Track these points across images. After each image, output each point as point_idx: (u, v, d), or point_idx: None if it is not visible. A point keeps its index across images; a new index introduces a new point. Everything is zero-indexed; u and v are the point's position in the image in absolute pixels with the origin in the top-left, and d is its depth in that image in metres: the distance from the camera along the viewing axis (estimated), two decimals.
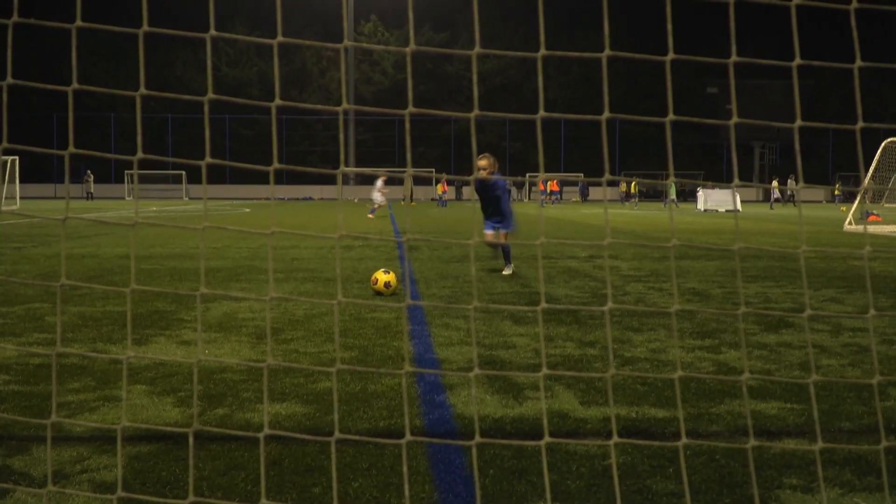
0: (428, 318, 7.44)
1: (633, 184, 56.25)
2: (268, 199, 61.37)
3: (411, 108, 2.36)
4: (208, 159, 2.47)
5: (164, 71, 76.73)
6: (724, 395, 4.83)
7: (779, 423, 4.39)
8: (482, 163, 10.96)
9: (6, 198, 43.37)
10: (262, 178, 73.05)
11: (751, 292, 9.46)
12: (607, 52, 2.40)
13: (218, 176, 73.14)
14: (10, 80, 2.48)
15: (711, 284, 10.11)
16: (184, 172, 69.85)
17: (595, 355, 6.02)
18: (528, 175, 68.02)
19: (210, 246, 15.25)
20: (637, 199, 56.09)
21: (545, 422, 3.90)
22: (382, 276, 9.15)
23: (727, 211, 42.33)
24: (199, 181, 71.87)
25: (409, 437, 2.09)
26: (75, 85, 2.44)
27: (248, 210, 39.16)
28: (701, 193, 45.80)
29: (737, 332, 6.80)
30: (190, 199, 67.61)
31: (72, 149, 2.50)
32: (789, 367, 5.69)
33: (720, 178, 76.34)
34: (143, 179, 71.16)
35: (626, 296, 9.19)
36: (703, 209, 43.93)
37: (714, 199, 44.67)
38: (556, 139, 79.20)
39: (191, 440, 2.29)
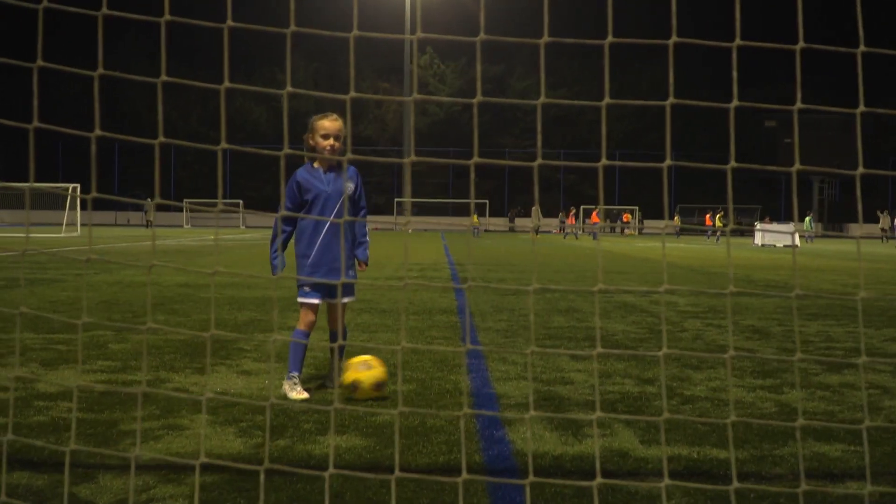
0: (485, 352, 7.45)
1: (719, 216, 55.76)
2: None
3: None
4: (220, 203, 2.53)
5: (220, 103, 78.15)
6: (787, 437, 4.78)
7: (842, 465, 4.33)
8: (332, 125, 5.80)
9: (67, 224, 44.25)
10: None
11: (811, 331, 9.33)
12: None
13: (275, 205, 73.87)
14: (97, 131, 2.56)
15: (771, 322, 10.00)
16: (241, 201, 70.74)
17: (654, 393, 5.98)
18: (582, 207, 67.97)
19: (267, 276, 15.39)
20: (717, 234, 54.37)
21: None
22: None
23: (785, 247, 41.80)
24: (255, 210, 72.58)
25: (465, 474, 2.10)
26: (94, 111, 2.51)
27: None
28: (759, 228, 45.31)
29: (799, 372, 6.72)
30: (246, 227, 68.41)
31: (99, 132, 2.57)
32: (852, 409, 5.60)
33: (778, 212, 75.52)
34: (202, 206, 72.11)
35: (684, 332, 9.11)
36: (760, 244, 43.45)
37: (771, 235, 44.13)
38: (612, 171, 78.97)
39: (261, 478, 2.33)
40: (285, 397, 5.71)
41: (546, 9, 2.40)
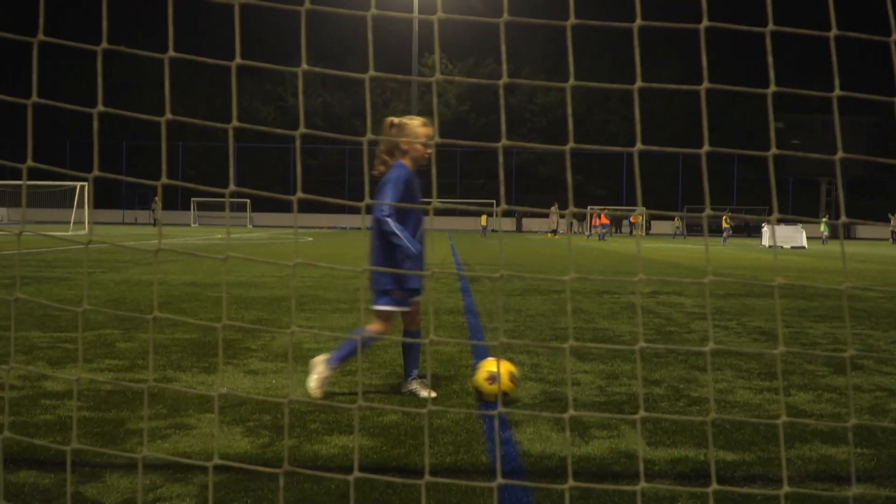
0: (491, 352, 7.44)
1: (725, 217, 55.53)
2: (296, 226, 61.83)
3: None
4: (232, 187, 2.53)
5: (230, 101, 78.21)
6: (794, 439, 4.77)
7: (849, 467, 4.32)
8: (427, 130, 5.78)
9: (75, 222, 44.35)
10: (327, 208, 73.75)
11: (819, 332, 9.31)
12: (634, 83, 2.40)
13: (283, 204, 74.11)
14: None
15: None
16: (248, 200, 70.81)
17: (661, 394, 5.97)
18: (588, 207, 67.92)
19: (274, 275, 15.43)
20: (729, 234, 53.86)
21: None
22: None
23: (792, 248, 41.71)
24: (263, 209, 72.78)
25: (500, 479, 2.10)
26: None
27: (310, 239, 39.51)
28: (766, 229, 45.18)
29: (806, 374, 6.70)
30: (254, 226, 68.49)
31: (96, 172, 2.57)
32: (859, 411, 5.59)
33: (786, 213, 75.36)
34: (209, 207, 72.35)
35: (691, 334, 9.10)
36: (767, 245, 43.36)
37: (779, 236, 44.02)
38: (618, 172, 79.04)
39: (281, 482, 2.33)
40: (306, 385, 5.67)
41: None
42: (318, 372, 5.65)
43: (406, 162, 5.70)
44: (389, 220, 5.48)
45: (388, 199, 5.52)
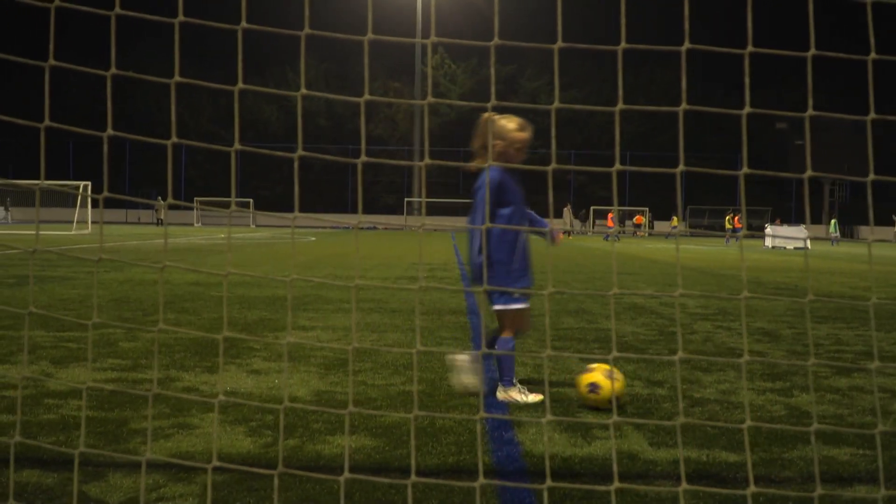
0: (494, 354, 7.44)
1: (735, 218, 55.49)
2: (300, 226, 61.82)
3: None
4: (233, 204, 2.54)
5: (232, 102, 78.61)
6: (796, 440, 4.77)
7: (851, 468, 4.32)
8: (523, 135, 5.76)
9: (78, 221, 44.42)
10: (329, 208, 73.83)
11: (822, 333, 9.32)
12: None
13: (285, 204, 74.18)
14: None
15: (781, 324, 9.98)
16: (251, 200, 70.83)
17: (663, 395, 5.98)
18: (592, 208, 67.90)
19: (278, 277, 15.44)
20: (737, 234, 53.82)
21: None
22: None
23: (795, 248, 41.68)
24: (266, 209, 72.76)
25: (482, 479, 2.11)
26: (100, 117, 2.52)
27: (313, 238, 39.52)
28: (769, 230, 45.17)
29: (808, 375, 6.71)
30: (257, 226, 68.55)
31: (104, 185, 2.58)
32: (861, 413, 5.59)
33: (789, 214, 75.35)
34: (212, 206, 72.23)
35: (694, 335, 9.10)
36: (770, 246, 43.33)
37: (782, 237, 43.95)
38: (621, 173, 78.95)
39: (276, 482, 2.34)
40: (517, 404, 5.63)
41: (559, 12, 2.40)
42: (521, 396, 5.67)
43: (497, 163, 5.59)
44: (475, 240, 5.53)
45: (479, 209, 5.49)
